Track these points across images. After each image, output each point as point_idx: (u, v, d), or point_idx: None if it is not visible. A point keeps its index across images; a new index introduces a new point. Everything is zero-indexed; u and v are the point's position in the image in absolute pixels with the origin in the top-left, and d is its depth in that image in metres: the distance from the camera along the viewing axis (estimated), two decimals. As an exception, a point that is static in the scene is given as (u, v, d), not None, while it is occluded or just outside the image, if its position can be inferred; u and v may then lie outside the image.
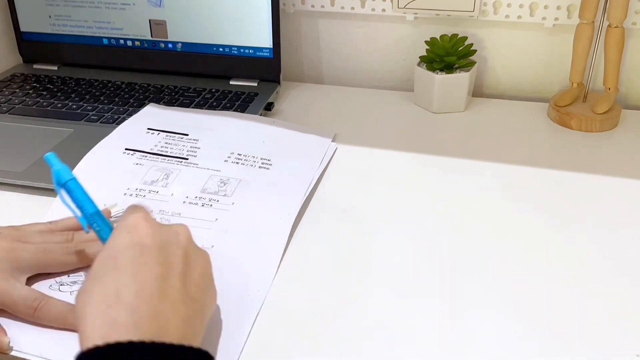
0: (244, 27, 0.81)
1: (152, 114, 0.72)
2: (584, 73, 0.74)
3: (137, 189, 0.59)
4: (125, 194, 0.58)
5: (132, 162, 0.63)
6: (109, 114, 0.75)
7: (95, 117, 0.74)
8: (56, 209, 0.57)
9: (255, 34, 0.80)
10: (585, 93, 0.75)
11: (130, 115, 0.75)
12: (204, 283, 0.40)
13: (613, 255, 0.51)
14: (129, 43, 0.86)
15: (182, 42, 0.84)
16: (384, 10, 0.82)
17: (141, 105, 0.77)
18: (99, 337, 0.32)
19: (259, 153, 0.65)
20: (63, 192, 0.43)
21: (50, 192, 0.60)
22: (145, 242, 0.38)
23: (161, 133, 0.68)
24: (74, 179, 0.43)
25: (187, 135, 0.68)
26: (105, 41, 0.87)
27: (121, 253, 0.37)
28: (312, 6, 0.85)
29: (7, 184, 0.62)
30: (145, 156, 0.64)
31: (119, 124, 0.72)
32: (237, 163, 0.63)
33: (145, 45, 0.86)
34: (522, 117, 0.76)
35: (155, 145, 0.65)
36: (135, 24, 0.85)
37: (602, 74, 0.74)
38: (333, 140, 0.69)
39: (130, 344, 0.31)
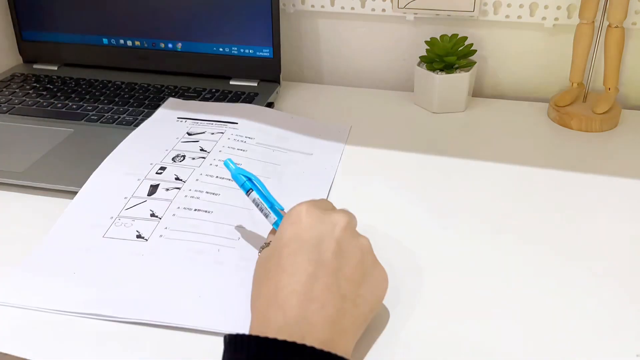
0: (244, 27, 0.81)
1: (174, 106, 0.74)
2: (584, 73, 0.75)
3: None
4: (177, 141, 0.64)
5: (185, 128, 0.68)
6: (109, 114, 0.75)
7: (95, 117, 0.74)
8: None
9: (255, 34, 0.80)
10: (585, 93, 0.75)
11: (130, 115, 0.75)
12: (358, 276, 0.39)
13: (613, 255, 0.51)
14: (129, 43, 0.86)
15: (182, 42, 0.84)
16: (384, 10, 0.82)
17: (141, 105, 0.78)
18: (256, 331, 0.34)
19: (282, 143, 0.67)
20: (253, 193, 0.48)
21: (50, 192, 0.61)
22: (303, 236, 0.38)
23: (188, 120, 0.70)
24: (256, 184, 0.49)
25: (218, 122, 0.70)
26: (105, 41, 0.87)
27: (285, 247, 0.38)
28: (312, 6, 0.85)
29: (7, 184, 0.62)
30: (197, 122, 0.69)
31: (119, 124, 0.72)
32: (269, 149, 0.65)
33: (145, 45, 0.86)
34: (522, 117, 0.76)
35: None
36: (136, 24, 0.85)
37: (602, 74, 0.74)
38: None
39: (275, 341, 0.32)
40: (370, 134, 0.72)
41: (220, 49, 0.83)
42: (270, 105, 0.78)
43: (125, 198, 0.56)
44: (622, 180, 0.62)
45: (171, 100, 0.76)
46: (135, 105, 0.77)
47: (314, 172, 0.63)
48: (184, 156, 0.62)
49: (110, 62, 0.88)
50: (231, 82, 0.83)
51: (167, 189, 0.57)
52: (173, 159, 0.62)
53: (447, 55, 0.75)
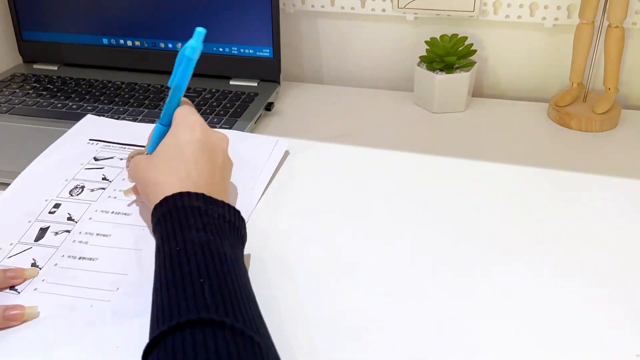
0: (244, 27, 0.81)
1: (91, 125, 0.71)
2: (584, 73, 0.74)
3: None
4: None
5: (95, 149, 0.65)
6: (109, 114, 0.75)
7: (95, 117, 0.74)
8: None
9: (255, 33, 0.80)
10: (585, 93, 0.75)
11: (130, 115, 0.75)
12: (228, 181, 0.56)
13: (613, 254, 0.51)
14: (129, 43, 0.86)
15: (182, 42, 0.84)
16: (384, 10, 0.82)
17: (141, 105, 0.78)
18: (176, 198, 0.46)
19: None
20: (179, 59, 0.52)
21: (50, 192, 0.61)
22: (203, 141, 0.51)
23: (100, 143, 0.66)
24: (193, 60, 0.51)
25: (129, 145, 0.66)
26: (105, 41, 0.87)
27: (185, 145, 0.50)
28: (312, 6, 0.85)
29: (7, 184, 0.62)
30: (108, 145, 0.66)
31: (118, 124, 0.72)
32: None
33: (145, 45, 0.86)
34: (522, 117, 0.76)
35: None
36: (136, 24, 0.85)
37: (602, 74, 0.74)
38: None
39: (196, 194, 0.46)
40: (370, 134, 0.72)
41: (220, 49, 0.83)
42: (270, 105, 0.78)
43: (11, 245, 0.53)
44: (622, 180, 0.62)
45: (89, 117, 0.72)
46: (135, 105, 0.77)
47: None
48: (82, 187, 0.59)
49: (110, 62, 0.88)
50: (231, 82, 0.83)
51: (57, 233, 0.54)
52: (70, 191, 0.59)
53: (447, 55, 0.75)
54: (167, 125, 0.53)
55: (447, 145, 0.69)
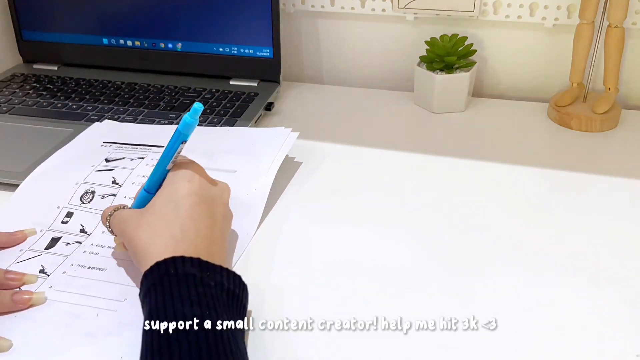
0: (244, 27, 0.81)
1: (106, 129, 0.70)
2: (584, 73, 0.74)
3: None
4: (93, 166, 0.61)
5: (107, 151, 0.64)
6: (109, 114, 0.75)
7: (95, 117, 0.74)
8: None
9: (255, 33, 0.80)
10: (585, 93, 0.75)
11: (130, 115, 0.75)
12: (227, 234, 0.51)
13: (613, 255, 0.51)
14: (129, 43, 0.86)
15: (182, 42, 0.84)
16: (384, 10, 0.82)
17: (141, 105, 0.78)
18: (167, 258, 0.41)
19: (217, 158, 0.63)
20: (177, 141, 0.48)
21: (50, 192, 0.60)
22: (201, 194, 0.47)
23: (113, 145, 0.66)
24: (182, 135, 0.47)
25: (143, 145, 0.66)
26: (105, 41, 0.87)
27: (183, 199, 0.46)
28: (312, 6, 0.85)
29: (7, 184, 0.62)
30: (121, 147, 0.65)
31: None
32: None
33: (145, 45, 0.86)
34: (522, 117, 0.76)
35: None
36: (136, 24, 0.85)
37: (602, 74, 0.74)
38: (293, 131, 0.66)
39: (191, 258, 0.41)
40: (370, 134, 0.72)
41: (220, 49, 0.83)
42: (270, 105, 0.78)
43: (21, 250, 0.53)
44: (622, 180, 0.62)
45: (107, 122, 0.72)
46: (135, 105, 0.77)
47: (236, 194, 0.56)
48: (93, 192, 0.58)
49: (110, 62, 0.88)
50: (231, 82, 0.83)
51: (68, 243, 0.53)
52: (81, 197, 0.58)
53: (447, 55, 0.75)
54: (152, 192, 0.48)
55: (447, 145, 0.69)
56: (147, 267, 0.41)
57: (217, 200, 0.48)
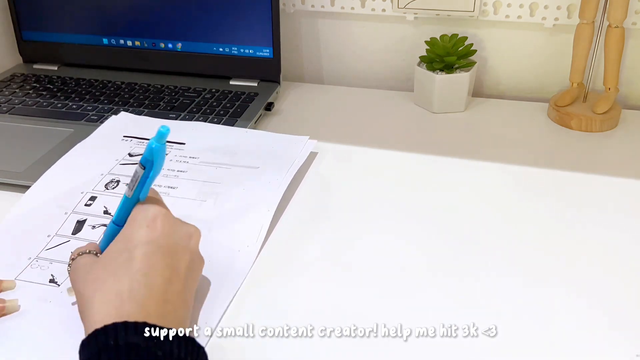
0: (244, 27, 0.81)
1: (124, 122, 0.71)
2: (584, 73, 0.74)
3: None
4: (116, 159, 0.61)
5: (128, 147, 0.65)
6: (109, 114, 0.75)
7: (95, 117, 0.74)
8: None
9: (255, 34, 0.80)
10: (585, 93, 0.75)
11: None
12: (195, 285, 0.45)
13: (613, 255, 0.51)
14: (129, 43, 0.86)
15: (182, 42, 0.84)
16: (384, 10, 0.82)
17: (141, 105, 0.78)
18: (112, 320, 0.36)
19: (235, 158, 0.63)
20: (139, 166, 0.43)
21: (50, 192, 0.60)
22: (161, 242, 0.41)
23: (134, 139, 0.66)
24: (153, 170, 0.42)
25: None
26: (105, 41, 0.87)
27: (137, 248, 0.40)
28: (312, 6, 0.85)
29: (7, 184, 0.62)
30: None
31: (118, 124, 0.72)
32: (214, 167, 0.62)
33: (145, 45, 0.86)
34: (522, 117, 0.76)
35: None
36: (136, 24, 0.85)
37: (602, 74, 0.74)
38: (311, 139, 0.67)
39: (135, 324, 0.36)
40: (370, 134, 0.72)
41: (220, 49, 0.83)
42: (270, 105, 0.78)
43: (49, 236, 0.53)
44: (622, 180, 0.62)
45: (123, 114, 0.72)
46: (135, 106, 0.77)
47: (255, 187, 0.58)
48: (118, 181, 0.59)
49: (110, 62, 0.88)
50: (231, 82, 0.83)
51: (94, 227, 0.54)
52: (106, 185, 0.59)
53: (447, 55, 0.75)
54: (121, 224, 0.44)
55: (447, 145, 0.69)
56: (85, 334, 0.36)
57: (180, 248, 0.42)
